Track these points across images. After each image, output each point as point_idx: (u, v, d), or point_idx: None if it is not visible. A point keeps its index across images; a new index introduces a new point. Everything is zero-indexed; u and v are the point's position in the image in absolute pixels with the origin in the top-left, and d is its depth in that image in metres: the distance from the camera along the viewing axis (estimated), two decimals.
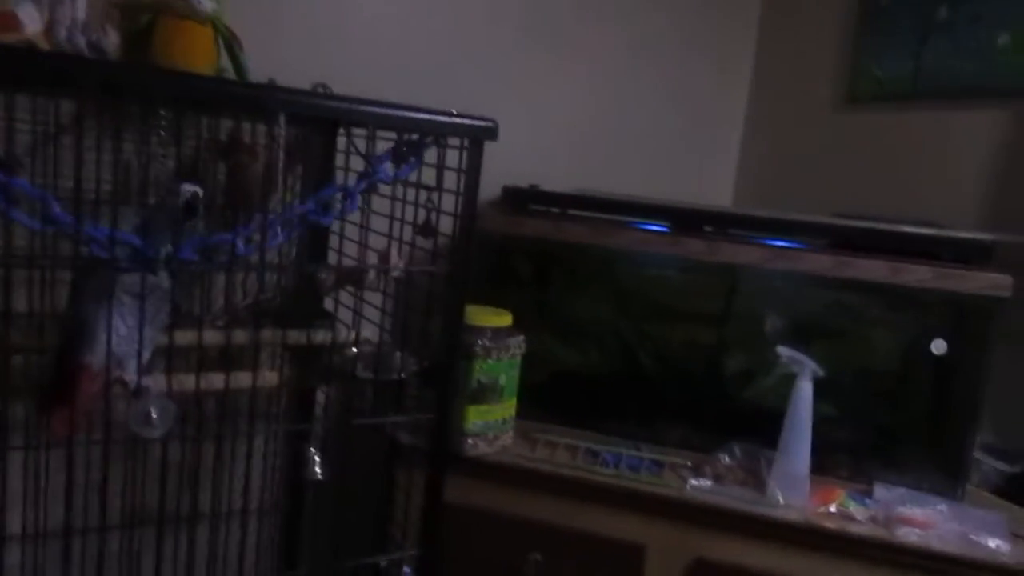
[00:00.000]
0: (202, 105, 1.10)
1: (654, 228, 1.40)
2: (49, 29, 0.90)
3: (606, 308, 1.48)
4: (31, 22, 0.88)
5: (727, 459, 1.31)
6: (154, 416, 0.88)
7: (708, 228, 1.40)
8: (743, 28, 1.92)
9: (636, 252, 1.40)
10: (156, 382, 0.93)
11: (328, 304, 1.29)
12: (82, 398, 0.88)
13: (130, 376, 0.91)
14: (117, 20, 1.03)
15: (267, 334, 1.15)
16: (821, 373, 1.21)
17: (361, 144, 1.14)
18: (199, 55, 1.10)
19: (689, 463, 1.33)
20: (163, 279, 0.94)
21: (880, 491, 1.26)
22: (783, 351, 1.23)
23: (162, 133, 1.16)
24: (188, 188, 0.93)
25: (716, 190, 1.94)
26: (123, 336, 0.91)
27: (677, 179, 1.88)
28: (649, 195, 1.56)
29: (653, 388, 1.46)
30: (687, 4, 1.83)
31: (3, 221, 0.81)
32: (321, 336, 1.15)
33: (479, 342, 1.28)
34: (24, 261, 1.03)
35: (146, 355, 0.93)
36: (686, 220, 1.41)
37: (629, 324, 1.47)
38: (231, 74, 1.17)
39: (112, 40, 0.98)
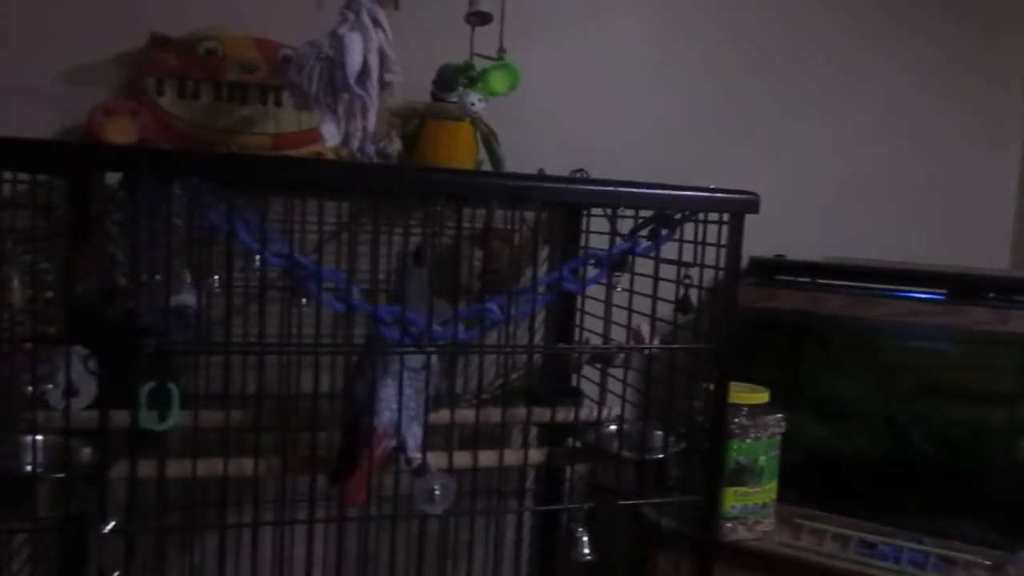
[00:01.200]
0: (472, 198, 1.18)
1: (926, 296, 1.29)
2: (345, 141, 1.02)
3: (870, 384, 1.37)
4: (331, 137, 1.00)
5: None
6: (437, 493, 0.93)
7: (992, 295, 1.26)
8: (1010, 82, 1.76)
9: (905, 323, 1.29)
10: (436, 459, 0.98)
11: (581, 382, 1.31)
12: (372, 461, 0.94)
13: (413, 453, 0.97)
14: (398, 127, 1.15)
15: (525, 413, 1.18)
16: None
17: (608, 222, 1.17)
18: (462, 151, 1.19)
19: (986, 562, 1.18)
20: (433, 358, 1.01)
21: None
22: None
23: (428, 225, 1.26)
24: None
25: (986, 254, 1.75)
26: (404, 407, 0.97)
27: (936, 244, 1.72)
28: (906, 262, 1.45)
29: (932, 474, 1.31)
30: (941, 64, 1.71)
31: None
32: (578, 414, 1.16)
33: (735, 420, 1.24)
34: (325, 348, 1.13)
35: (420, 432, 0.99)
36: (965, 287, 1.28)
37: (898, 402, 1.34)
38: (487, 165, 1.25)
39: (395, 146, 1.08)
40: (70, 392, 0.91)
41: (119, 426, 0.92)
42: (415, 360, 0.98)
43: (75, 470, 0.89)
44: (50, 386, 0.97)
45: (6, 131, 0.83)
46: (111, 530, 0.82)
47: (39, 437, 0.92)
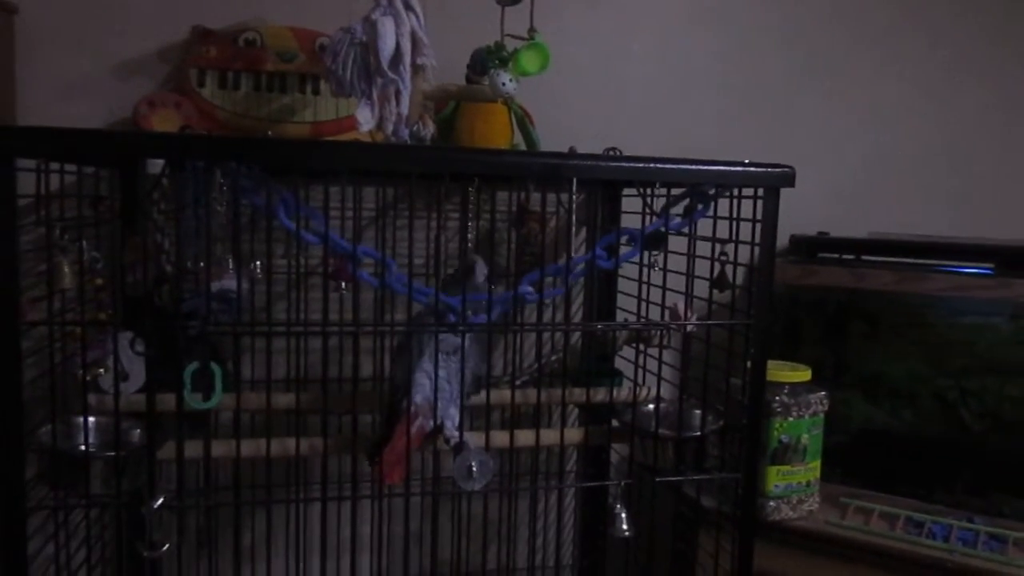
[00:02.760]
0: (509, 178, 1.18)
1: (973, 271, 1.26)
2: (379, 126, 1.03)
3: (916, 361, 1.34)
4: (365, 122, 1.01)
5: None
6: (474, 469, 0.94)
7: None
8: None
9: (953, 298, 1.26)
10: (474, 438, 0.99)
11: (619, 362, 1.31)
12: (408, 440, 0.96)
13: (450, 432, 0.98)
14: (432, 111, 1.15)
15: (566, 393, 1.18)
16: None
17: (647, 202, 1.17)
18: (497, 133, 1.20)
19: None
20: (472, 340, 1.02)
21: None
22: None
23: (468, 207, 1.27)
24: (472, 257, 1.03)
25: None
26: (440, 389, 0.99)
27: (979, 218, 1.66)
28: (952, 236, 1.41)
29: (983, 452, 1.28)
30: (975, 37, 1.65)
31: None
32: (618, 394, 1.16)
33: (777, 398, 1.22)
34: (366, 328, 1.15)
35: (457, 414, 1.01)
36: (1014, 260, 1.24)
37: (946, 379, 1.31)
38: (523, 148, 1.25)
39: (429, 129, 1.09)
40: (118, 375, 0.94)
41: (166, 409, 0.96)
42: (451, 344, 0.99)
43: (126, 450, 0.93)
44: (101, 371, 1.01)
45: (56, 125, 0.86)
46: (160, 506, 0.85)
47: (92, 419, 0.95)
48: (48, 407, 0.92)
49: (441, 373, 0.99)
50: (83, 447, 0.93)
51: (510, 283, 1.37)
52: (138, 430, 1.00)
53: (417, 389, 0.98)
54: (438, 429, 0.99)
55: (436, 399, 0.97)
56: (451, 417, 1.00)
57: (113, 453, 0.91)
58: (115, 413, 0.91)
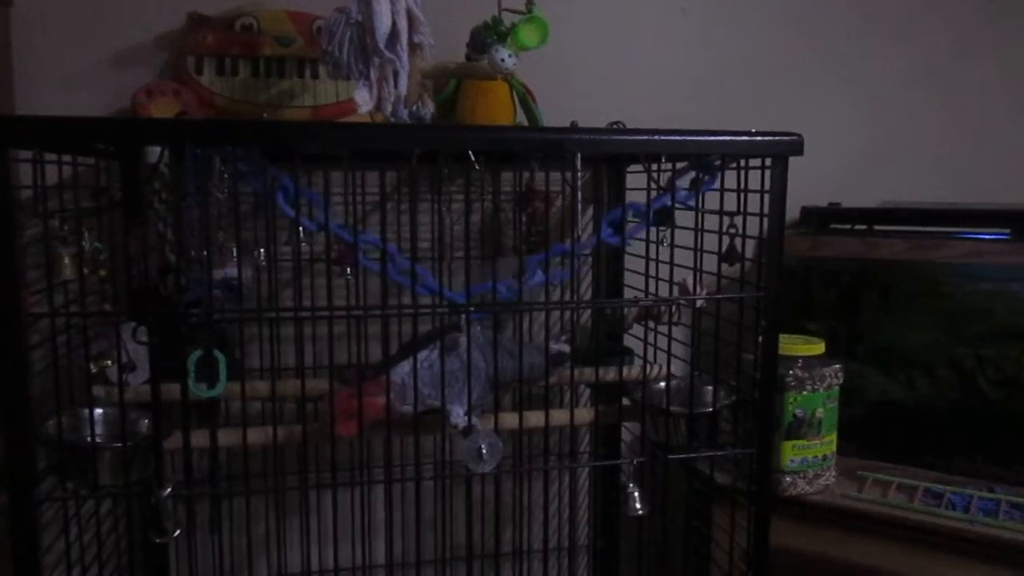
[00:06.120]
0: (513, 155, 1.17)
1: (989, 236, 1.23)
2: (378, 107, 1.01)
3: (932, 330, 1.31)
4: (364, 103, 1.00)
5: None
6: (484, 452, 0.93)
7: None
8: None
9: (968, 265, 1.24)
10: (484, 421, 0.98)
11: (629, 340, 1.30)
12: (356, 401, 0.94)
13: (456, 419, 0.97)
14: (431, 90, 1.14)
15: (575, 373, 1.17)
16: None
17: (652, 177, 1.15)
18: (499, 111, 1.18)
19: None
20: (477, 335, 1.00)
21: None
22: None
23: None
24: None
25: None
26: (449, 384, 0.97)
27: (991, 185, 1.63)
28: (965, 202, 1.38)
29: (1003, 421, 1.26)
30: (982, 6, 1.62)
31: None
32: (627, 373, 1.15)
33: (790, 372, 1.20)
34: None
35: (461, 409, 0.99)
36: None
37: (963, 347, 1.29)
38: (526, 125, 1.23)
39: (428, 108, 1.08)
40: (122, 367, 0.94)
41: (172, 399, 0.95)
42: (453, 340, 0.98)
43: (133, 440, 0.92)
44: (108, 363, 1.00)
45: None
46: (169, 495, 0.85)
47: (99, 410, 0.95)
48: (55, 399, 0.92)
49: (456, 364, 0.97)
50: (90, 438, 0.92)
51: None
52: (147, 420, 1.00)
53: (397, 369, 0.97)
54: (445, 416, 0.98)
55: (416, 385, 0.96)
56: (456, 412, 0.98)
57: (120, 444, 0.91)
58: (120, 404, 0.90)
